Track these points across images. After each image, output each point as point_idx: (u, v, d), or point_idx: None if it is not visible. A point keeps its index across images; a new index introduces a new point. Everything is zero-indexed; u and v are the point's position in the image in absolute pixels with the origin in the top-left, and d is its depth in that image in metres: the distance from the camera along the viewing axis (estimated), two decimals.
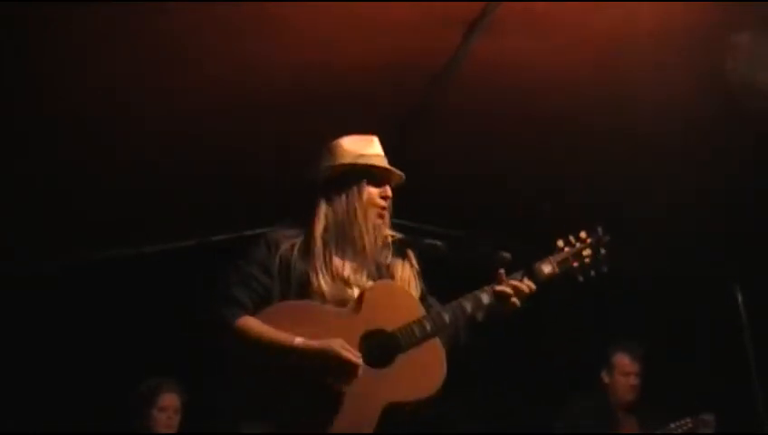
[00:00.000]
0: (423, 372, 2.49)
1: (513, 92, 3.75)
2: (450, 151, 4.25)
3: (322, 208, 2.63)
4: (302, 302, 2.51)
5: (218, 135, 3.94)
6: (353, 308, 2.52)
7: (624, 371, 4.27)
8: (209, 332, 2.51)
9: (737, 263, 4.88)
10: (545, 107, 3.87)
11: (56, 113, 3.61)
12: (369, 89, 3.65)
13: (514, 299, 2.61)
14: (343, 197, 2.63)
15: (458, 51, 3.40)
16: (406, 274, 2.67)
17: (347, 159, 2.65)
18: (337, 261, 2.58)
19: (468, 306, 2.59)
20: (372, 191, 2.65)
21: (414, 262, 2.71)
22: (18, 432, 4.31)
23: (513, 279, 2.64)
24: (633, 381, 4.26)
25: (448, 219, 4.63)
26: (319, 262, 2.54)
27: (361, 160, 2.64)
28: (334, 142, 2.70)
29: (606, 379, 4.32)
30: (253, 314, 2.48)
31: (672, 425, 4.11)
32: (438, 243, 2.72)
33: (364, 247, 2.59)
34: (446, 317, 2.56)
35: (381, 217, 2.66)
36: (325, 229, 2.60)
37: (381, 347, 2.48)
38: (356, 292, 2.56)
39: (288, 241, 2.60)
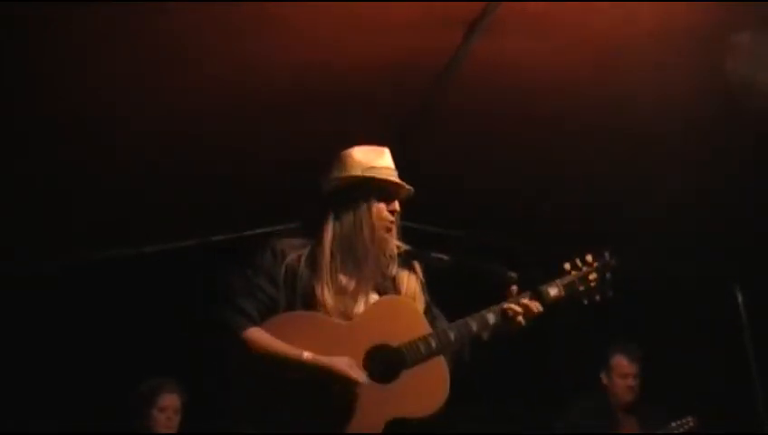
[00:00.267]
0: (427, 390, 2.49)
1: (514, 92, 3.75)
2: (450, 151, 4.25)
3: (330, 220, 2.61)
4: (308, 313, 2.51)
5: (218, 135, 3.94)
6: (359, 322, 2.52)
7: (622, 372, 4.27)
8: (215, 342, 2.51)
9: (737, 263, 4.88)
10: (545, 107, 3.87)
11: (56, 113, 3.61)
12: (369, 89, 3.65)
13: (521, 318, 2.61)
14: (351, 209, 2.61)
15: (458, 51, 3.39)
16: (411, 286, 2.67)
17: (357, 171, 2.62)
18: (343, 273, 2.57)
19: (474, 325, 2.59)
20: (380, 205, 2.63)
21: (420, 274, 2.71)
22: (18, 432, 4.30)
23: (520, 299, 2.65)
24: (631, 382, 4.26)
25: (448, 219, 4.64)
26: (325, 274, 2.54)
27: (371, 173, 2.62)
28: (345, 152, 2.67)
29: (605, 380, 4.33)
30: (259, 324, 2.48)
31: (673, 424, 4.11)
32: (444, 256, 2.72)
33: (369, 262, 2.58)
34: (452, 335, 2.56)
35: (389, 230, 2.64)
36: (332, 241, 2.59)
37: (386, 362, 2.48)
38: (361, 305, 2.56)
39: (295, 251, 2.59)
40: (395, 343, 2.50)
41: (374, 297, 2.60)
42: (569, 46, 3.42)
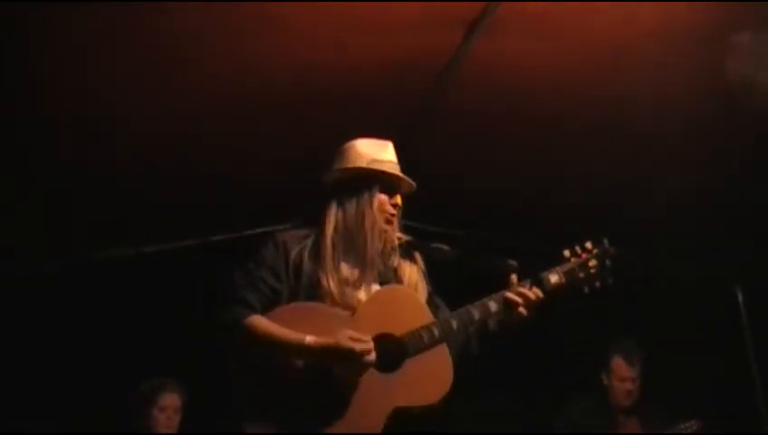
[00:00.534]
0: (431, 379, 2.49)
1: (513, 92, 3.75)
2: (450, 151, 4.25)
3: (333, 211, 2.63)
4: (311, 304, 2.52)
5: (218, 135, 3.94)
6: (361, 312, 2.52)
7: (620, 376, 4.25)
8: (217, 333, 2.51)
9: (737, 263, 4.88)
10: (545, 107, 3.87)
11: (56, 113, 3.61)
12: (369, 89, 3.65)
13: (522, 307, 2.61)
14: (354, 201, 2.62)
15: (458, 51, 3.39)
16: (413, 276, 2.68)
17: (360, 163, 2.64)
18: (345, 264, 2.58)
19: (476, 313, 2.60)
20: (383, 198, 2.65)
21: (421, 264, 2.72)
22: (18, 432, 4.30)
23: (521, 287, 2.65)
24: (629, 386, 4.23)
25: (448, 219, 4.64)
26: (328, 264, 2.55)
27: (374, 166, 2.64)
28: (348, 144, 2.70)
29: (605, 380, 4.32)
30: (262, 315, 2.48)
31: (682, 426, 4.10)
32: (445, 247, 2.73)
33: (371, 252, 2.60)
34: (454, 324, 2.57)
35: (390, 223, 2.66)
36: (335, 232, 2.60)
37: (389, 352, 2.49)
38: (363, 295, 2.57)
39: (298, 243, 2.60)
40: (398, 332, 2.51)
41: (376, 288, 2.61)
42: (569, 46, 3.42)
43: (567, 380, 4.79)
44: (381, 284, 2.63)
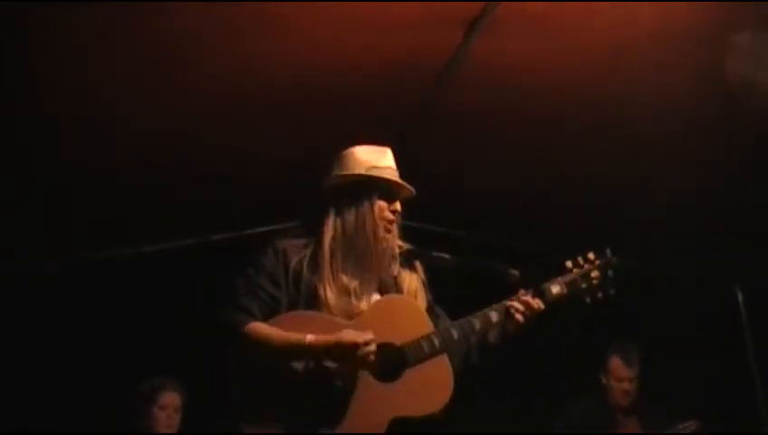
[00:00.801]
0: (430, 388, 2.49)
1: (514, 92, 3.74)
2: (450, 151, 4.25)
3: (331, 219, 2.62)
4: (311, 313, 2.51)
5: (218, 135, 3.94)
6: (362, 321, 2.51)
7: (618, 376, 4.25)
8: (217, 334, 2.51)
9: (737, 263, 4.88)
10: (545, 107, 3.86)
11: (56, 113, 3.61)
12: (369, 89, 3.65)
13: (523, 317, 2.61)
14: (353, 208, 2.61)
15: (458, 51, 3.39)
16: (413, 285, 2.68)
17: (359, 170, 2.63)
18: (344, 272, 2.57)
19: (477, 323, 2.60)
20: (382, 204, 2.64)
21: (421, 273, 2.72)
22: (18, 432, 4.30)
23: (523, 297, 2.65)
24: (627, 386, 4.24)
25: (448, 219, 4.64)
26: (326, 273, 2.54)
27: (373, 172, 2.63)
28: (347, 151, 2.68)
29: (603, 381, 4.32)
30: (261, 322, 2.48)
31: (681, 426, 4.10)
32: (446, 255, 2.73)
33: (370, 260, 2.59)
34: (455, 333, 2.57)
35: (389, 231, 2.65)
36: (333, 239, 2.59)
37: (389, 361, 2.49)
38: (362, 304, 2.56)
39: (297, 250, 2.60)
40: (398, 341, 2.51)
41: (376, 297, 2.60)
42: (569, 46, 3.42)
43: (567, 380, 4.79)
44: (381, 293, 2.62)
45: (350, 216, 2.61)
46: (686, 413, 4.16)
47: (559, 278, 2.73)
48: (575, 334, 4.84)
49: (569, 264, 2.77)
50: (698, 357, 5.03)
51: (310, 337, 2.40)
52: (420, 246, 2.74)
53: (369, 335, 2.40)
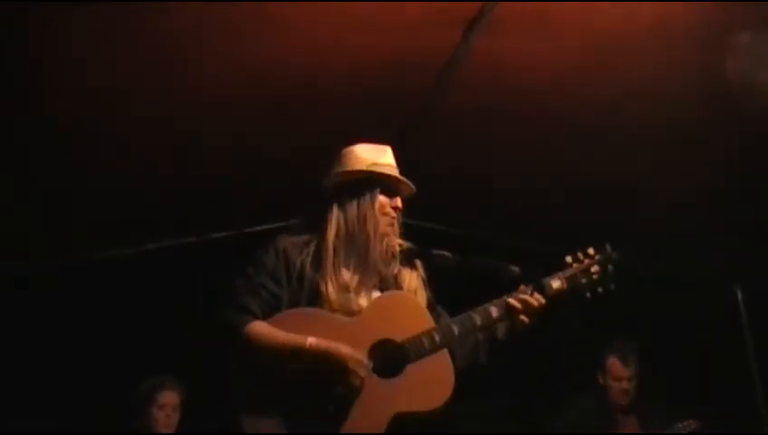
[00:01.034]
0: (432, 384, 2.49)
1: (513, 92, 3.74)
2: (450, 151, 4.25)
3: (334, 215, 2.63)
4: (312, 310, 2.52)
5: (218, 135, 3.94)
6: (363, 317, 2.52)
7: (616, 376, 4.26)
8: (220, 339, 2.51)
9: (737, 263, 4.88)
10: (546, 106, 3.86)
11: (56, 113, 3.61)
12: (369, 88, 3.65)
13: (524, 313, 2.61)
14: (354, 204, 2.63)
15: (457, 50, 3.39)
16: (413, 283, 2.68)
17: (360, 167, 2.65)
18: (345, 269, 2.58)
19: (478, 319, 2.60)
20: (383, 201, 2.65)
21: (421, 271, 2.72)
22: (18, 432, 4.30)
23: (523, 292, 2.65)
24: (625, 385, 4.24)
25: (448, 218, 4.64)
26: (328, 270, 2.55)
27: (375, 169, 2.65)
28: (347, 149, 2.70)
29: (600, 381, 4.33)
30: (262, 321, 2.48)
31: (679, 425, 4.11)
32: (447, 253, 2.73)
33: (371, 256, 2.60)
34: (456, 329, 2.57)
35: (391, 226, 2.67)
36: (336, 236, 2.61)
37: (390, 357, 2.49)
38: (363, 301, 2.57)
39: (299, 249, 2.60)
40: (399, 338, 2.51)
41: (376, 293, 2.61)
42: (568, 46, 3.42)
43: (567, 380, 4.79)
44: (382, 291, 2.63)
45: (352, 212, 2.62)
46: (686, 413, 4.16)
47: (559, 273, 2.73)
48: (576, 331, 4.84)
49: (568, 259, 2.77)
50: (698, 357, 5.03)
51: (311, 340, 2.41)
52: (421, 244, 2.74)
53: (361, 357, 2.41)
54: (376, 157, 2.68)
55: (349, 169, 2.66)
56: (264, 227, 4.44)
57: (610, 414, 4.30)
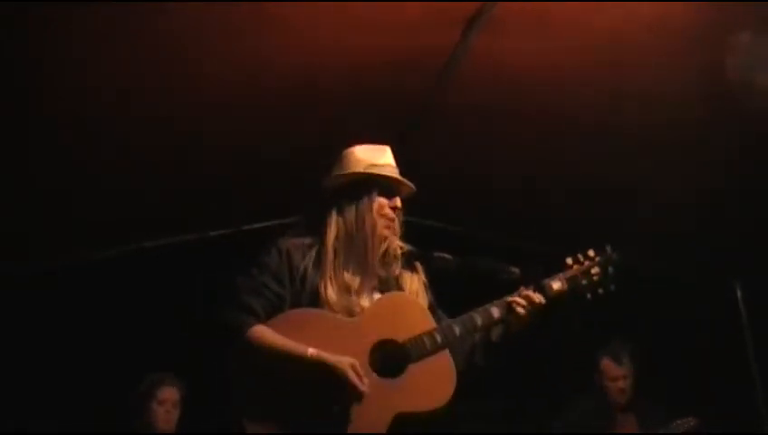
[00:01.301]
0: (433, 384, 2.50)
1: (513, 91, 3.74)
2: (450, 150, 4.25)
3: (333, 217, 2.64)
4: (313, 310, 2.52)
5: (218, 135, 3.94)
6: (364, 318, 2.53)
7: (611, 375, 4.29)
8: (221, 339, 2.51)
9: (737, 263, 4.88)
10: (545, 106, 3.86)
11: (56, 113, 3.61)
12: (369, 88, 3.65)
13: (525, 314, 2.62)
14: (353, 205, 2.64)
15: (456, 49, 3.39)
16: (414, 286, 2.69)
17: (359, 169, 2.65)
18: (346, 271, 2.58)
19: (479, 319, 2.61)
20: (382, 201, 2.65)
21: (422, 274, 2.73)
22: (18, 432, 4.30)
23: (524, 293, 2.65)
24: (621, 384, 4.27)
25: (448, 218, 4.64)
26: (329, 271, 2.56)
27: (373, 170, 2.65)
28: (346, 151, 2.70)
29: (597, 382, 4.34)
30: (264, 322, 2.49)
31: (678, 422, 4.12)
32: (447, 256, 2.73)
33: (370, 258, 2.61)
34: (457, 330, 2.58)
35: (389, 228, 2.67)
36: (336, 238, 2.61)
37: (392, 358, 2.50)
38: (363, 302, 2.57)
39: (301, 250, 2.61)
40: (400, 338, 2.52)
41: (377, 296, 2.62)
42: (568, 44, 3.42)
43: (567, 381, 4.79)
44: (383, 292, 2.63)
45: (351, 214, 2.63)
46: (686, 413, 4.17)
47: (560, 274, 2.74)
48: (576, 332, 4.84)
49: (569, 260, 2.78)
50: (698, 357, 5.03)
51: (311, 351, 2.41)
52: (420, 242, 2.75)
53: (362, 386, 2.40)
54: (375, 158, 2.68)
55: (347, 171, 2.66)
56: (263, 223, 4.44)
57: (610, 414, 4.30)
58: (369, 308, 2.56)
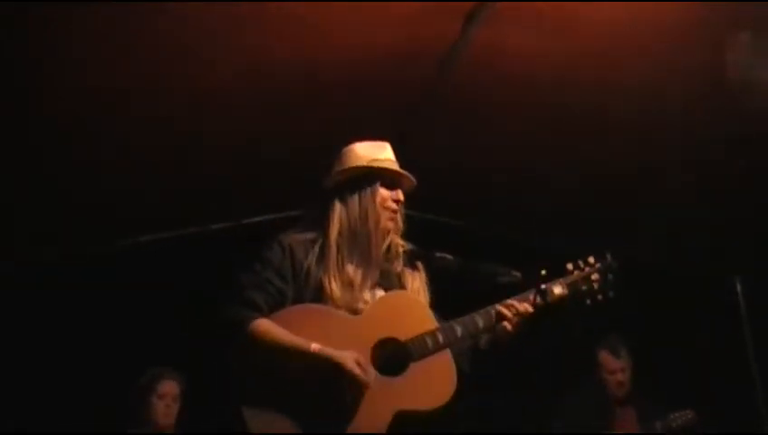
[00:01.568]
0: (434, 383, 2.51)
1: (513, 85, 3.74)
2: (450, 144, 4.25)
3: (336, 212, 2.65)
4: (317, 306, 2.53)
5: (218, 135, 3.95)
6: (367, 316, 2.54)
7: (609, 369, 4.33)
8: (224, 334, 2.51)
9: (737, 262, 4.88)
10: (545, 100, 3.85)
11: (56, 113, 3.61)
12: (369, 82, 3.64)
13: (510, 322, 2.62)
14: (356, 199, 2.65)
15: (458, 41, 3.39)
16: (416, 284, 2.70)
17: (360, 164, 2.67)
18: (349, 266, 2.59)
19: (480, 321, 2.62)
20: (384, 194, 2.67)
21: (424, 274, 2.74)
22: (18, 432, 4.30)
23: (522, 298, 2.66)
24: (619, 377, 4.31)
25: (448, 210, 4.64)
26: (332, 267, 2.57)
27: (374, 164, 2.67)
28: (347, 148, 2.73)
29: (597, 377, 4.36)
30: (267, 316, 2.49)
31: (675, 414, 4.13)
32: (449, 256, 2.74)
33: (374, 251, 2.62)
34: (459, 331, 2.59)
35: (393, 220, 2.68)
36: (339, 233, 2.62)
37: (393, 356, 2.51)
38: (366, 297, 2.58)
39: (304, 246, 2.61)
40: (402, 337, 2.53)
41: (380, 293, 2.63)
42: (569, 38, 3.41)
43: (567, 380, 4.79)
44: (385, 288, 2.64)
45: (354, 208, 2.64)
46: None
47: (560, 279, 2.75)
48: (577, 338, 4.85)
49: (569, 266, 2.80)
50: (698, 356, 5.03)
51: (314, 346, 2.42)
52: (421, 237, 2.76)
53: (366, 379, 2.41)
54: (375, 153, 2.70)
55: (348, 166, 2.68)
56: (264, 217, 4.45)
57: (609, 409, 4.32)
58: (371, 306, 2.56)
